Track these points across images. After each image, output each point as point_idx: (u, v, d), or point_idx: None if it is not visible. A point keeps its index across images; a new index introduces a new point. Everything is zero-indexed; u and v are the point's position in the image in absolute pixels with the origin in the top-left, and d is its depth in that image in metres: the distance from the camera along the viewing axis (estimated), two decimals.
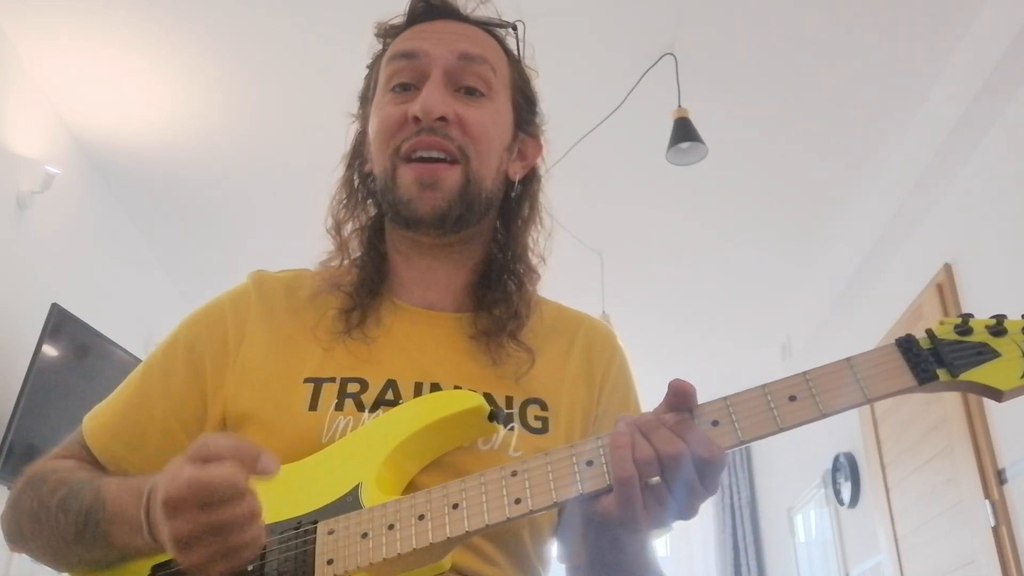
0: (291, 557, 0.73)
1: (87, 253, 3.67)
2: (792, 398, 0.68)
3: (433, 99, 0.85)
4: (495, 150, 0.90)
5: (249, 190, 3.82)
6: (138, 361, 3.51)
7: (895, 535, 3.69)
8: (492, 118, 0.90)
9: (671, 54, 2.95)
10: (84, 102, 3.28)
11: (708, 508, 6.35)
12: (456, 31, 0.93)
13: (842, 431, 4.32)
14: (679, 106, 2.93)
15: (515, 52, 0.99)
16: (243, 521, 0.65)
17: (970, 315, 0.70)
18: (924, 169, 3.22)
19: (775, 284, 4.55)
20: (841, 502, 4.44)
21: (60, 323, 3.09)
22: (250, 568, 0.73)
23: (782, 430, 0.68)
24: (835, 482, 4.53)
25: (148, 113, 3.33)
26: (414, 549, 0.70)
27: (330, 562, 0.72)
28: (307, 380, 0.85)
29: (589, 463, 0.70)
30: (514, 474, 0.71)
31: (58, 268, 3.38)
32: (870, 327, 3.98)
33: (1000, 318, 0.69)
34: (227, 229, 4.13)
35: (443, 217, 0.86)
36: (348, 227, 0.96)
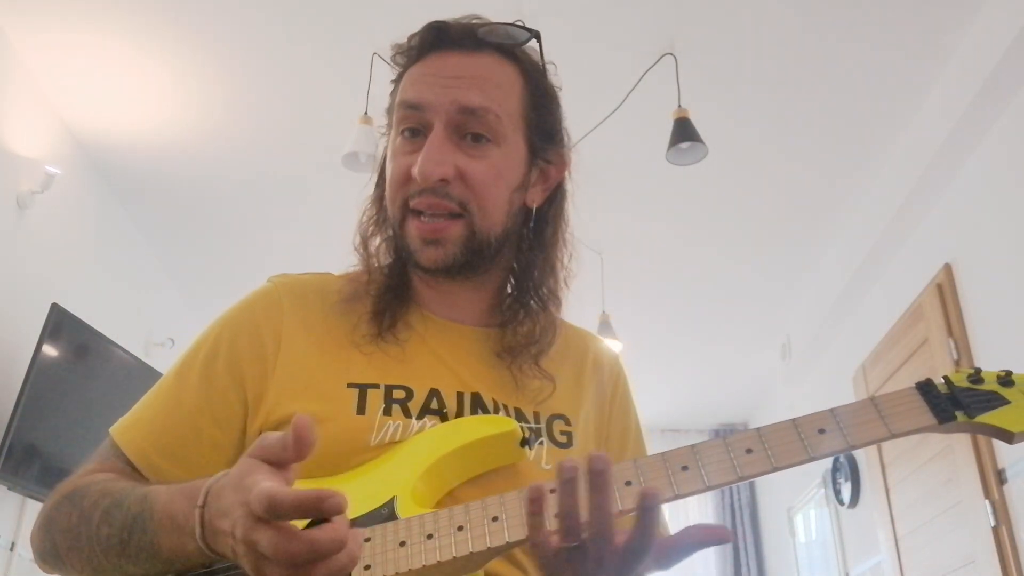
0: None
1: (87, 253, 3.67)
2: (821, 431, 0.74)
3: (431, 162, 0.87)
4: (501, 198, 0.92)
5: (249, 190, 3.82)
6: (138, 361, 3.55)
7: (895, 535, 3.69)
8: (497, 168, 0.91)
9: (671, 54, 2.96)
10: (84, 102, 3.28)
11: (708, 508, 6.35)
12: (461, 74, 0.91)
13: None
14: (679, 106, 2.93)
15: (537, 63, 0.97)
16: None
17: (980, 368, 0.77)
18: (924, 169, 3.22)
19: (775, 283, 4.54)
20: (841, 502, 4.44)
21: (60, 323, 3.09)
22: None
23: (813, 459, 0.73)
24: (835, 482, 4.53)
25: (148, 113, 3.33)
26: (454, 557, 0.71)
27: (367, 567, 0.72)
28: (351, 385, 0.87)
29: (628, 483, 0.73)
30: (552, 491, 0.72)
31: (58, 268, 3.38)
32: (870, 327, 3.98)
33: (1008, 372, 0.77)
34: (227, 229, 4.13)
35: (448, 268, 0.90)
36: (376, 240, 0.97)
